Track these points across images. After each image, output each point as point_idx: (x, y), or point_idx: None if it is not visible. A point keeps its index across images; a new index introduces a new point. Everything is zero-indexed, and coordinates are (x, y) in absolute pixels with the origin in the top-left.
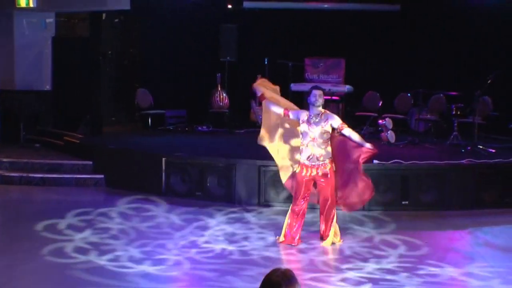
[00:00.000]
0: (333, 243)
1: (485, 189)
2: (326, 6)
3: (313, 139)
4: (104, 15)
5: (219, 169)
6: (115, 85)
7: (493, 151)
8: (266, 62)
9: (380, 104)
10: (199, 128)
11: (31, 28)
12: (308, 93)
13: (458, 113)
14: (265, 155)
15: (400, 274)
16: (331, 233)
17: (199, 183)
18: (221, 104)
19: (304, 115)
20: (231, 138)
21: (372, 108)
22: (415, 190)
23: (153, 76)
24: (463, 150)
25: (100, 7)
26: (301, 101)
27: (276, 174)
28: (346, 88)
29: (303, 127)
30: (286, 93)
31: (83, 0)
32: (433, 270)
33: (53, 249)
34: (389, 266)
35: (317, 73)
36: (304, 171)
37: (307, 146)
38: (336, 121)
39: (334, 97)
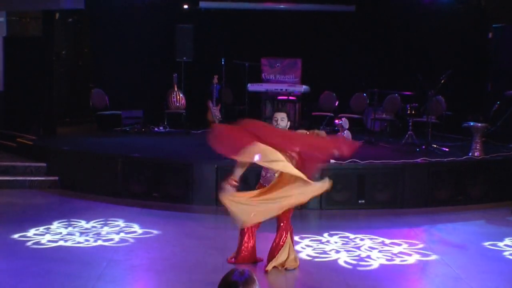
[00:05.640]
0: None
1: (438, 187)
2: (282, 6)
3: None
4: (57, 14)
5: (176, 170)
6: (69, 85)
7: (447, 150)
8: (223, 63)
9: (336, 104)
10: (156, 129)
11: None
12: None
13: (413, 112)
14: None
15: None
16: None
17: (156, 184)
18: (178, 104)
19: None
20: (188, 139)
21: (329, 108)
22: (371, 189)
23: (109, 77)
24: (417, 149)
25: (53, 6)
26: (258, 101)
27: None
28: (303, 88)
29: None
30: (243, 93)
31: None
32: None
33: None
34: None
35: (273, 73)
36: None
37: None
38: None
39: (291, 97)
